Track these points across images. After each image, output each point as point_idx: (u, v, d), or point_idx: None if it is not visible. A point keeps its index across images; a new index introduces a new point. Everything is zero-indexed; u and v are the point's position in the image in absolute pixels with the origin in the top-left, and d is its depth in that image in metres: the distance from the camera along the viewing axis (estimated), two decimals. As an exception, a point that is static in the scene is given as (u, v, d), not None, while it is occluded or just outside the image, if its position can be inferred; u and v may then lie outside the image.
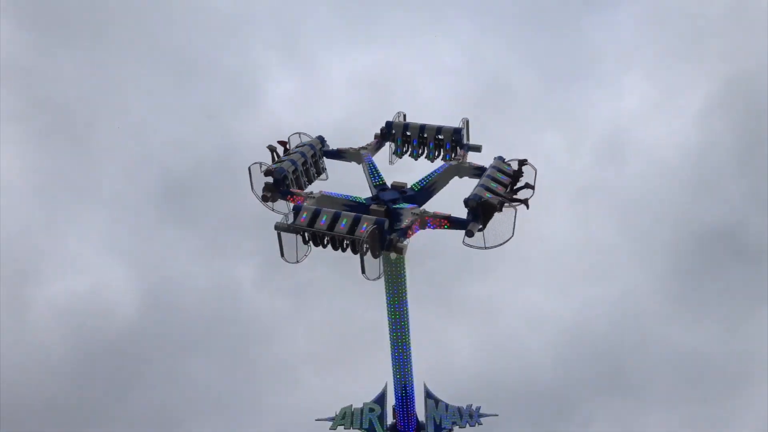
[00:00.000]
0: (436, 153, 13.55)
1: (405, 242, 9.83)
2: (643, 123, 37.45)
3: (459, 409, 14.96)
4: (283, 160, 11.95)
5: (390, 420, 14.74)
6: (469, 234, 10.14)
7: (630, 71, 37.43)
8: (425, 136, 13.51)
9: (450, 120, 13.72)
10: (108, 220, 40.68)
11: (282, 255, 10.31)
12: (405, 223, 10.06)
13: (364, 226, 9.44)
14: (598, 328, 49.99)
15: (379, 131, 13.94)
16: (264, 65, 34.58)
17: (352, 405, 15.33)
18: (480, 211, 10.12)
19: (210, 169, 33.94)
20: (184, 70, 34.14)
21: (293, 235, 10.06)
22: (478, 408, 14.99)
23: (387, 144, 14.10)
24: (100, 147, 34.98)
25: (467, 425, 14.74)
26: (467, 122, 13.47)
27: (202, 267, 46.83)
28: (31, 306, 34.76)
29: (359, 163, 13.02)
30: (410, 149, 13.83)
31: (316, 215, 9.79)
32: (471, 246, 10.39)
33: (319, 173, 13.05)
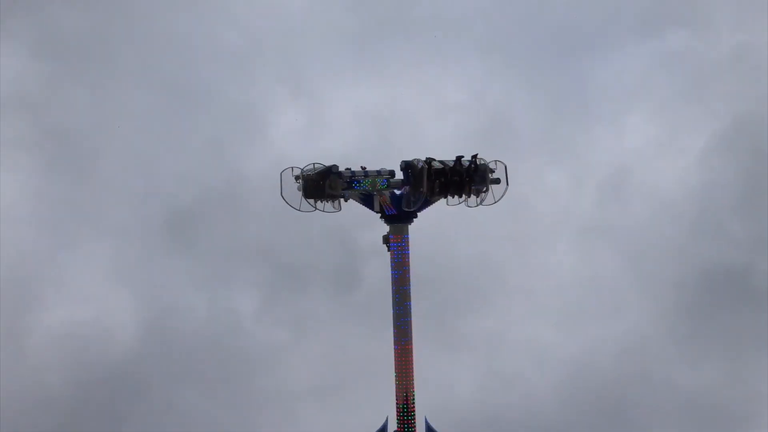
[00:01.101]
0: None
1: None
2: (647, 162, 37.70)
3: (460, 442, 14.73)
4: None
5: (392, 452, 14.46)
6: (407, 202, 12.03)
7: (634, 111, 37.88)
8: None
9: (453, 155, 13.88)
10: (112, 249, 40.74)
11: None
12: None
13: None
14: (602, 365, 49.42)
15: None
16: (270, 99, 35.11)
17: (352, 438, 15.15)
18: (410, 174, 11.80)
19: (215, 200, 34.22)
20: (190, 102, 34.68)
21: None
22: (482, 444, 14.79)
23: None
24: (105, 176, 35.28)
25: (470, 460, 14.51)
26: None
27: (203, 297, 46.65)
28: (32, 333, 34.62)
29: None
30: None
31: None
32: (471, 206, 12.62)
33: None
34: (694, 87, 35.89)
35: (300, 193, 12.49)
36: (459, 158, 12.59)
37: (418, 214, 12.82)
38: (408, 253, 12.83)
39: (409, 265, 12.89)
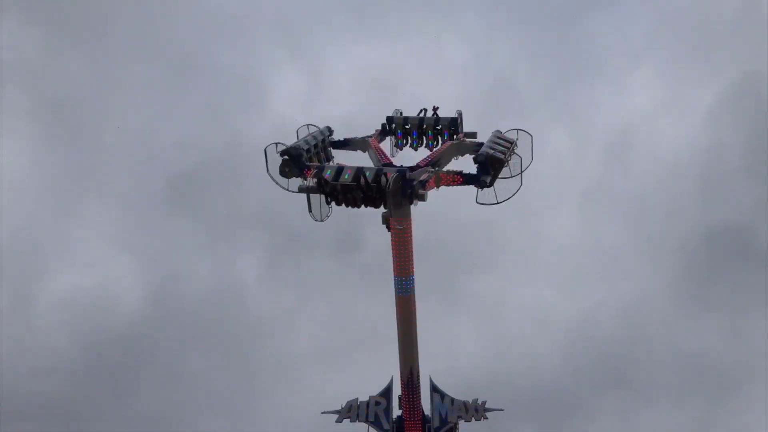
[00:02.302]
0: (435, 142, 14.32)
1: (425, 192, 10.46)
2: (651, 122, 37.30)
3: (465, 403, 14.90)
4: (297, 142, 12.29)
5: (396, 413, 14.66)
6: (483, 184, 10.89)
7: (639, 70, 37.31)
8: (424, 127, 14.37)
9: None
10: (116, 216, 40.76)
11: (310, 211, 11.71)
12: (423, 176, 10.59)
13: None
14: (605, 326, 49.71)
15: (380, 126, 14.56)
16: (269, 64, 34.69)
17: (357, 398, 15.30)
18: (488, 165, 10.87)
19: (216, 165, 34.09)
20: (189, 69, 34.27)
21: (318, 196, 10.82)
22: (484, 402, 14.92)
23: (388, 138, 14.68)
24: (107, 144, 35.14)
25: (473, 419, 14.66)
26: (461, 113, 14.45)
27: (208, 261, 46.84)
28: (38, 298, 34.94)
29: (365, 151, 13.37)
30: (410, 141, 14.59)
31: (339, 171, 10.25)
32: (485, 204, 11.39)
33: (328, 159, 13.18)
34: (701, 45, 35.33)
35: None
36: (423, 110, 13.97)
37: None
38: (411, 238, 11.55)
39: (412, 248, 11.79)
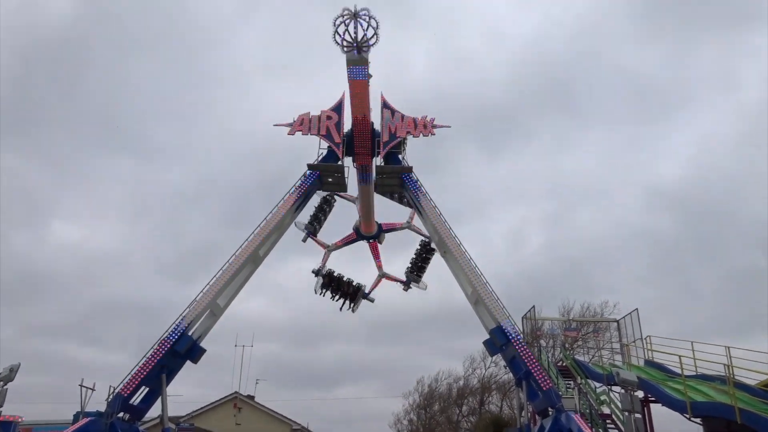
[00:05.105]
0: None
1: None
2: None
3: (414, 119, 15.22)
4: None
5: (348, 128, 14.91)
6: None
7: None
8: None
9: None
10: None
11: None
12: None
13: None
14: (555, 46, 50.03)
15: None
16: None
17: (309, 112, 15.41)
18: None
19: None
20: None
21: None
22: (432, 119, 15.28)
23: None
24: None
25: (420, 135, 15.13)
26: None
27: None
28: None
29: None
30: None
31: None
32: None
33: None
34: None
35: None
36: None
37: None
38: None
39: None
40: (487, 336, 13.67)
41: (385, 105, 15.42)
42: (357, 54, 11.72)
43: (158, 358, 12.71)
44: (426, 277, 17.52)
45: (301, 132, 15.18)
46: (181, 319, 13.14)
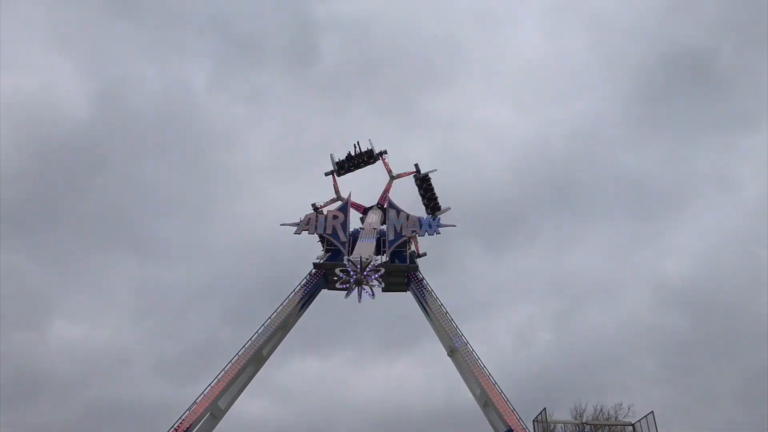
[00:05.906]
0: None
1: None
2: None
3: (419, 219, 15.51)
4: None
5: (353, 228, 15.21)
6: None
7: None
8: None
9: None
10: (47, 12, 37.76)
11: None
12: None
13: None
14: (556, 145, 51.19)
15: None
16: None
17: (315, 212, 15.70)
18: None
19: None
20: None
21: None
22: (438, 219, 15.54)
23: None
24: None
25: (426, 234, 15.34)
26: None
27: (154, 67, 44.77)
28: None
29: None
30: None
31: None
32: None
33: None
34: None
35: None
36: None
37: None
38: None
39: None
40: None
41: (390, 205, 15.73)
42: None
43: None
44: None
45: (307, 232, 15.40)
46: (179, 423, 12.75)
